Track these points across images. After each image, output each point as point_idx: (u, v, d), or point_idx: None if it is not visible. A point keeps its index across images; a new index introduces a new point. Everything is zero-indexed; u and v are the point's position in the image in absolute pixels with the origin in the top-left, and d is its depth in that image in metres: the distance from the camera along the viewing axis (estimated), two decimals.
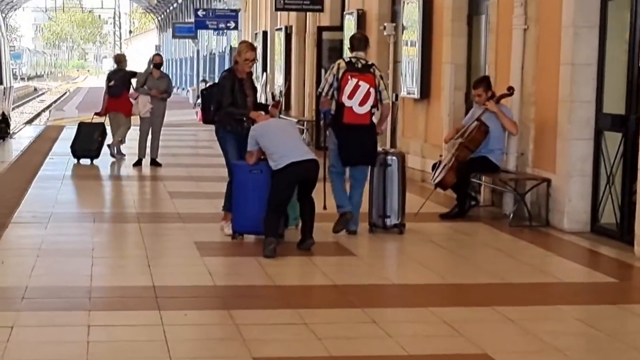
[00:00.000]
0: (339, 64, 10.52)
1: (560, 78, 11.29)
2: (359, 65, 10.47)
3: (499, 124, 11.93)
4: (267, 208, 9.52)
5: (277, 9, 23.75)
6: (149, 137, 17.45)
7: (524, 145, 12.16)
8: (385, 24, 17.02)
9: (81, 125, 18.37)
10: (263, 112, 10.53)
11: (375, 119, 10.68)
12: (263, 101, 23.90)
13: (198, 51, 49.16)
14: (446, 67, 14.91)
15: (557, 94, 11.38)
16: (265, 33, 30.62)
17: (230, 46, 40.50)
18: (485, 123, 11.91)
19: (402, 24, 16.58)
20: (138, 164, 17.31)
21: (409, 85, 16.25)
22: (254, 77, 10.96)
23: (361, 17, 19.42)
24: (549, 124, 11.64)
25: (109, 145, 18.14)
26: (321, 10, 23.10)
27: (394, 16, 18.37)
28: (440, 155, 12.44)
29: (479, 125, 11.90)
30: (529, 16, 12.06)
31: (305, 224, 9.82)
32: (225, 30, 40.06)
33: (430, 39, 15.68)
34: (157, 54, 18.59)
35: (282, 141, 9.72)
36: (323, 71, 20.01)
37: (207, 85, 11.25)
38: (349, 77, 10.34)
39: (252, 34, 33.37)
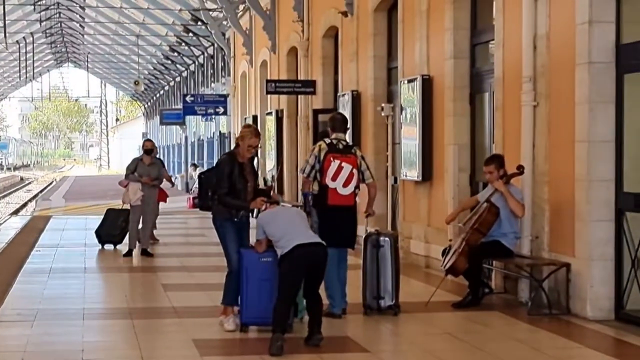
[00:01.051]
0: (319, 146, 10.48)
1: (575, 156, 10.68)
2: (340, 147, 10.47)
3: (508, 205, 11.29)
4: (277, 297, 8.96)
5: (268, 93, 23.35)
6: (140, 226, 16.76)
7: (539, 227, 11.51)
8: (383, 105, 16.51)
9: (108, 212, 18.42)
10: (265, 199, 9.89)
11: (358, 199, 10.61)
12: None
13: (186, 137, 48.65)
14: (449, 148, 14.34)
15: (573, 173, 10.77)
16: (255, 117, 30.14)
17: (220, 132, 39.98)
18: (495, 204, 11.28)
19: (401, 104, 16.04)
20: (128, 254, 16.59)
21: (410, 168, 15.65)
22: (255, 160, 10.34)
23: (356, 99, 18.95)
24: (565, 204, 11.01)
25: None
26: (313, 93, 22.69)
27: (390, 96, 17.90)
28: (450, 240, 11.76)
29: (489, 207, 11.27)
30: (538, 92, 11.51)
31: (312, 318, 9.13)
32: (213, 116, 39.61)
33: (431, 119, 15.12)
34: (148, 140, 17.98)
35: (288, 227, 9.22)
36: None
37: (205, 169, 10.49)
38: (332, 158, 10.33)
39: (242, 118, 32.92)
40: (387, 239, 10.82)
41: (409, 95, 15.62)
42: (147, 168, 16.94)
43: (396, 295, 10.68)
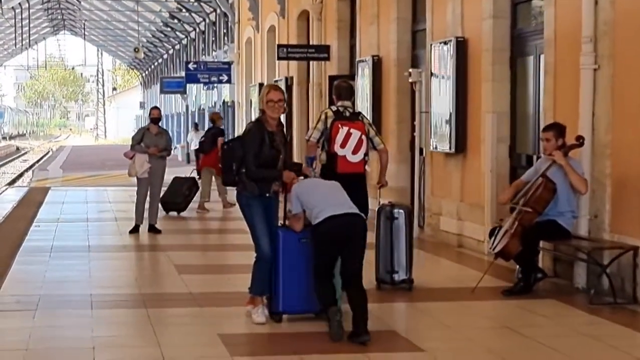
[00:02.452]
0: (326, 114, 10.19)
1: None
2: (347, 114, 10.18)
3: (567, 180, 10.08)
4: (313, 275, 8.24)
5: (279, 59, 22.05)
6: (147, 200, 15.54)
7: (598, 205, 10.31)
8: (411, 70, 15.26)
9: (174, 180, 18.89)
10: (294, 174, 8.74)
11: (368, 167, 10.37)
12: None
13: (187, 107, 47.26)
14: (487, 116, 13.10)
15: None
16: (261, 85, 28.83)
17: (224, 101, 38.62)
18: (551, 180, 10.07)
19: (430, 70, 14.78)
20: (135, 230, 15.38)
21: (441, 138, 14.42)
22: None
23: (377, 64, 17.67)
24: (631, 180, 9.82)
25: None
26: (327, 58, 21.40)
27: (415, 61, 16.65)
28: (501, 220, 10.54)
29: (545, 183, 10.05)
30: (599, 54, 10.27)
31: (356, 314, 7.95)
32: (216, 85, 38.30)
33: (465, 86, 13.88)
34: (155, 107, 16.64)
35: (324, 196, 8.37)
36: None
37: (229, 139, 9.22)
38: (339, 125, 10.04)
39: (247, 86, 31.65)
40: (401, 210, 10.41)
41: (441, 59, 14.36)
42: (155, 138, 15.68)
43: (410, 269, 10.28)
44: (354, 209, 8.35)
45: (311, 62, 22.83)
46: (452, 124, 13.99)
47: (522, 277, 10.20)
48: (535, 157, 12.30)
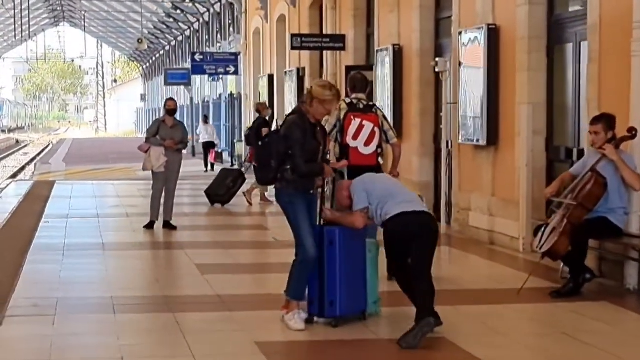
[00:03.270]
0: (340, 105, 9.84)
1: None
2: (361, 106, 10.06)
3: (618, 175, 9.45)
4: (415, 275, 7.66)
5: (293, 48, 21.40)
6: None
7: None
8: (437, 60, 14.63)
9: (221, 171, 19.51)
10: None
11: (381, 160, 10.19)
12: None
13: (192, 99, 46.55)
14: (522, 107, 12.47)
15: None
16: (271, 77, 28.22)
17: (230, 93, 37.92)
18: (601, 174, 9.44)
19: (459, 59, 14.13)
20: (150, 226, 14.76)
21: (471, 130, 13.78)
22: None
23: (397, 54, 17.04)
24: None
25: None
26: (343, 48, 20.76)
27: (439, 51, 16.01)
28: (549, 217, 9.90)
29: (595, 178, 9.42)
30: None
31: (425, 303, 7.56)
32: (221, 76, 37.63)
33: (497, 75, 13.23)
34: (170, 99, 15.95)
35: (390, 191, 7.94)
36: None
37: (268, 134, 8.58)
38: (352, 117, 9.93)
39: (255, 78, 31.00)
40: None
41: (470, 48, 13.72)
42: (170, 130, 15.02)
43: None
44: (424, 207, 8.03)
45: (324, 53, 22.20)
46: (483, 115, 13.35)
47: (571, 278, 9.58)
48: (575, 150, 11.69)
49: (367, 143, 9.95)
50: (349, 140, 9.91)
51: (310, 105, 8.09)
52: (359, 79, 10.39)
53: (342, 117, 9.94)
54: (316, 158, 8.14)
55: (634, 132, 9.53)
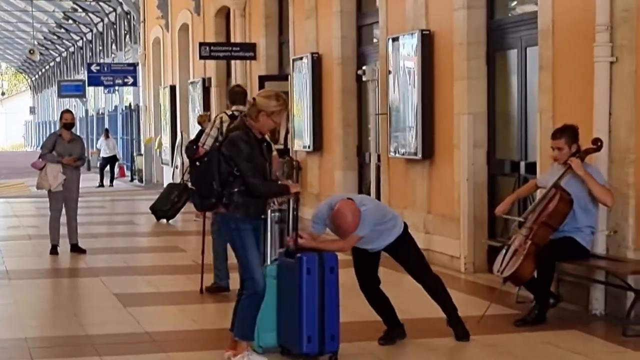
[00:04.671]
0: (221, 118, 10.07)
1: None
2: None
3: (585, 190, 8.70)
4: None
5: (202, 58, 20.32)
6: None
7: (619, 219, 8.94)
8: (365, 68, 13.74)
9: (167, 186, 18.55)
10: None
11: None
12: (179, 164, 20.45)
13: (87, 111, 44.90)
14: (461, 118, 11.69)
15: None
16: (173, 88, 27.07)
17: (130, 104, 36.52)
18: (566, 190, 8.68)
19: (388, 67, 13.30)
20: (54, 251, 13.54)
21: (403, 143, 12.94)
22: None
23: (316, 62, 16.14)
24: None
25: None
26: (254, 57, 19.79)
27: (362, 59, 15.19)
28: (509, 238, 9.08)
29: (560, 194, 8.65)
30: (618, 44, 8.91)
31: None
32: (121, 87, 36.23)
33: (432, 84, 12.42)
34: (67, 111, 14.44)
35: (382, 207, 8.10)
36: None
37: (201, 156, 7.50)
38: None
39: (155, 89, 29.79)
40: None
41: (401, 55, 12.89)
42: (68, 146, 13.75)
43: None
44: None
45: (233, 62, 21.20)
46: (417, 127, 12.52)
47: (535, 304, 8.78)
48: (523, 164, 10.95)
49: None
50: None
51: (256, 120, 7.15)
52: (238, 91, 10.52)
53: (224, 129, 9.57)
54: (266, 176, 7.21)
55: (599, 144, 8.78)
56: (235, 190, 7.03)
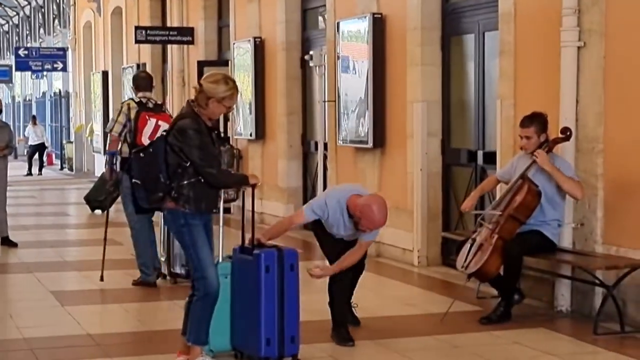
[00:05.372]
0: (128, 104, 9.94)
1: None
2: (151, 105, 9.96)
3: (553, 182, 8.28)
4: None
5: (137, 42, 19.66)
6: None
7: (586, 212, 8.55)
8: (312, 53, 13.24)
9: (102, 175, 16.78)
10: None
11: None
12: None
13: (14, 97, 43.71)
14: (415, 106, 11.23)
15: None
16: (105, 73, 26.28)
17: (60, 90, 35.51)
18: (534, 182, 8.26)
19: (338, 52, 12.79)
20: None
21: (352, 131, 12.46)
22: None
23: (259, 47, 15.58)
24: (632, 180, 8.10)
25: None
26: (192, 42, 19.17)
27: (307, 44, 14.69)
28: (474, 231, 8.62)
29: (528, 186, 8.22)
30: (585, 28, 8.50)
31: None
32: (45, 73, 35.27)
33: (384, 70, 11.95)
34: None
35: None
36: None
37: (145, 146, 6.91)
38: (147, 117, 9.77)
39: (86, 75, 28.92)
40: None
41: (351, 39, 12.40)
42: None
43: None
44: None
45: (170, 47, 20.55)
46: (368, 115, 12.04)
47: (501, 301, 8.36)
48: (480, 153, 10.55)
49: None
50: (144, 140, 9.53)
51: (205, 107, 6.58)
52: (143, 77, 10.36)
53: (132, 116, 9.73)
54: (219, 166, 6.69)
55: (568, 133, 8.37)
56: (185, 182, 6.47)
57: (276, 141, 15.16)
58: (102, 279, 10.02)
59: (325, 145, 13.38)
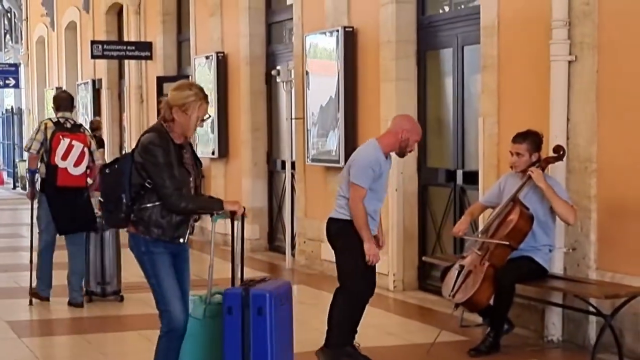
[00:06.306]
0: (46, 124, 9.93)
1: None
2: (68, 125, 9.93)
3: (544, 205, 7.81)
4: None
5: (94, 57, 19.02)
6: None
7: (578, 235, 8.08)
8: (279, 68, 12.73)
9: None
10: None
11: (90, 181, 10.07)
12: None
13: None
14: (388, 124, 10.69)
15: None
16: (60, 89, 25.43)
17: (12, 107, 34.63)
18: (525, 205, 7.77)
19: (306, 67, 12.28)
20: None
21: (322, 149, 11.95)
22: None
23: (222, 62, 15.04)
24: (628, 202, 7.65)
25: None
26: (150, 57, 18.57)
27: (272, 58, 14.17)
28: (462, 257, 8.11)
29: (520, 209, 7.73)
30: (577, 42, 8.05)
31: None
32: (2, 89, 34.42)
33: (355, 86, 11.46)
34: None
35: None
36: None
37: (111, 161, 6.30)
38: (61, 137, 9.78)
39: (40, 91, 28.19)
40: None
41: (321, 54, 11.90)
42: None
43: (119, 280, 10.29)
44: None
45: (127, 62, 19.93)
46: (339, 132, 11.53)
47: (490, 331, 7.86)
48: (460, 173, 10.06)
49: (76, 163, 9.81)
50: (57, 160, 9.71)
51: (172, 120, 5.99)
52: (64, 97, 10.27)
53: (49, 136, 9.72)
54: (188, 192, 6.04)
55: (561, 152, 7.89)
56: (148, 205, 5.87)
57: (240, 159, 14.60)
58: (31, 302, 10.00)
59: (293, 164, 12.85)
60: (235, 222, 6.14)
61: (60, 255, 10.31)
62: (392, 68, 10.73)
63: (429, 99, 10.67)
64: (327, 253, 11.94)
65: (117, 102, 21.49)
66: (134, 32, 19.38)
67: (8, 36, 35.61)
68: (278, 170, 14.12)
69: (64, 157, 9.73)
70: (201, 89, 6.05)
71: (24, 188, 29.22)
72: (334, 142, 11.66)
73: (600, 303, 7.59)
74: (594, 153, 7.92)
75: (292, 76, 12.57)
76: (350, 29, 11.42)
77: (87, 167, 9.91)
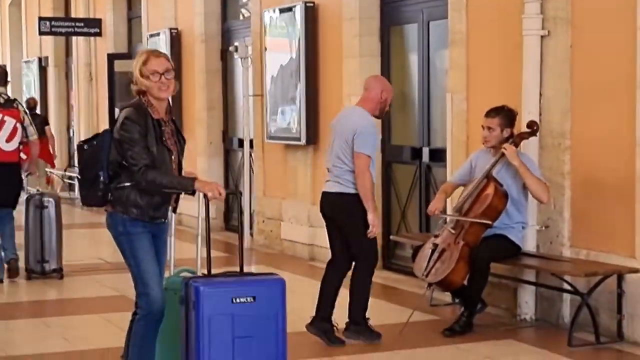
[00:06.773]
0: None
1: (638, 108, 7.19)
2: (2, 100, 9.84)
3: (517, 182, 7.68)
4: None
5: (42, 34, 18.59)
6: None
7: (551, 212, 7.96)
8: (236, 44, 12.47)
9: None
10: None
11: (23, 156, 10.07)
12: None
13: None
14: (352, 100, 10.48)
15: (623, 134, 7.31)
16: (3, 67, 24.93)
17: None
18: (500, 182, 7.64)
19: (263, 44, 12.05)
20: None
21: (282, 127, 11.73)
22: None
23: (175, 39, 14.75)
24: (602, 179, 7.54)
25: None
26: (99, 34, 18.20)
27: (227, 36, 13.91)
28: (435, 235, 7.94)
29: (495, 186, 7.59)
30: (549, 16, 7.91)
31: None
32: None
33: (316, 63, 11.25)
34: None
35: None
36: (117, 111, 15.24)
37: (88, 137, 6.03)
38: None
39: None
40: (51, 199, 10.37)
41: (280, 30, 11.67)
42: None
43: (60, 258, 10.19)
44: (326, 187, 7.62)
45: (74, 40, 19.52)
46: (300, 110, 11.32)
47: (464, 311, 7.72)
48: (427, 150, 9.89)
49: (8, 139, 9.72)
50: None
51: (142, 93, 5.74)
52: None
53: None
54: (166, 170, 5.80)
55: (535, 128, 7.76)
56: (126, 184, 5.64)
57: (195, 138, 14.31)
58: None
59: (251, 142, 12.63)
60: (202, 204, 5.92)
61: None
62: (355, 44, 10.53)
63: (393, 76, 10.45)
64: (287, 232, 11.81)
65: (64, 81, 21.06)
66: (83, 8, 18.99)
67: None
68: (234, 149, 13.89)
69: None
70: (157, 50, 5.87)
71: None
72: (294, 119, 11.44)
73: (575, 281, 7.48)
74: (567, 129, 7.80)
75: (250, 52, 12.32)
76: (312, 4, 11.20)
77: (20, 143, 9.83)
